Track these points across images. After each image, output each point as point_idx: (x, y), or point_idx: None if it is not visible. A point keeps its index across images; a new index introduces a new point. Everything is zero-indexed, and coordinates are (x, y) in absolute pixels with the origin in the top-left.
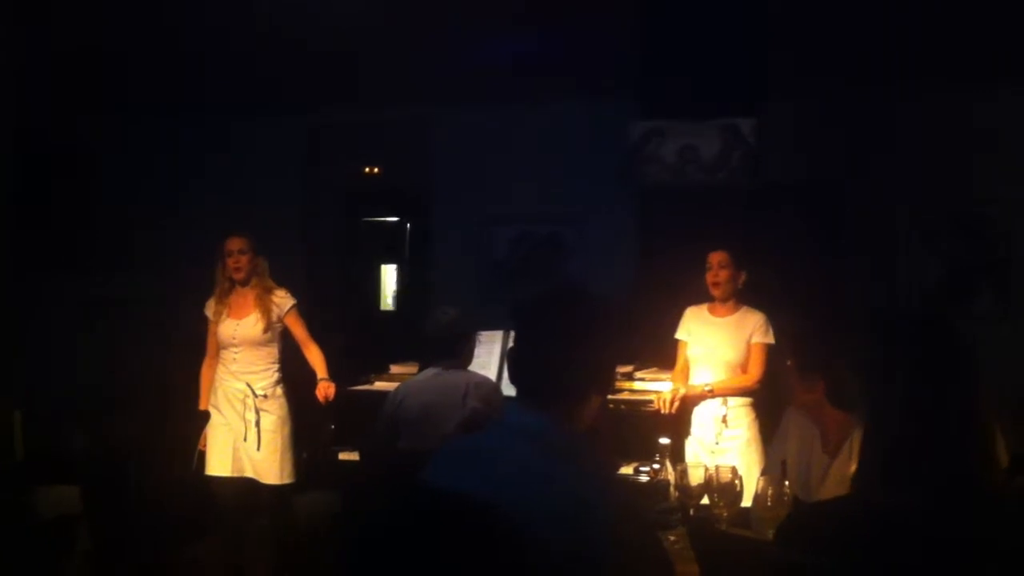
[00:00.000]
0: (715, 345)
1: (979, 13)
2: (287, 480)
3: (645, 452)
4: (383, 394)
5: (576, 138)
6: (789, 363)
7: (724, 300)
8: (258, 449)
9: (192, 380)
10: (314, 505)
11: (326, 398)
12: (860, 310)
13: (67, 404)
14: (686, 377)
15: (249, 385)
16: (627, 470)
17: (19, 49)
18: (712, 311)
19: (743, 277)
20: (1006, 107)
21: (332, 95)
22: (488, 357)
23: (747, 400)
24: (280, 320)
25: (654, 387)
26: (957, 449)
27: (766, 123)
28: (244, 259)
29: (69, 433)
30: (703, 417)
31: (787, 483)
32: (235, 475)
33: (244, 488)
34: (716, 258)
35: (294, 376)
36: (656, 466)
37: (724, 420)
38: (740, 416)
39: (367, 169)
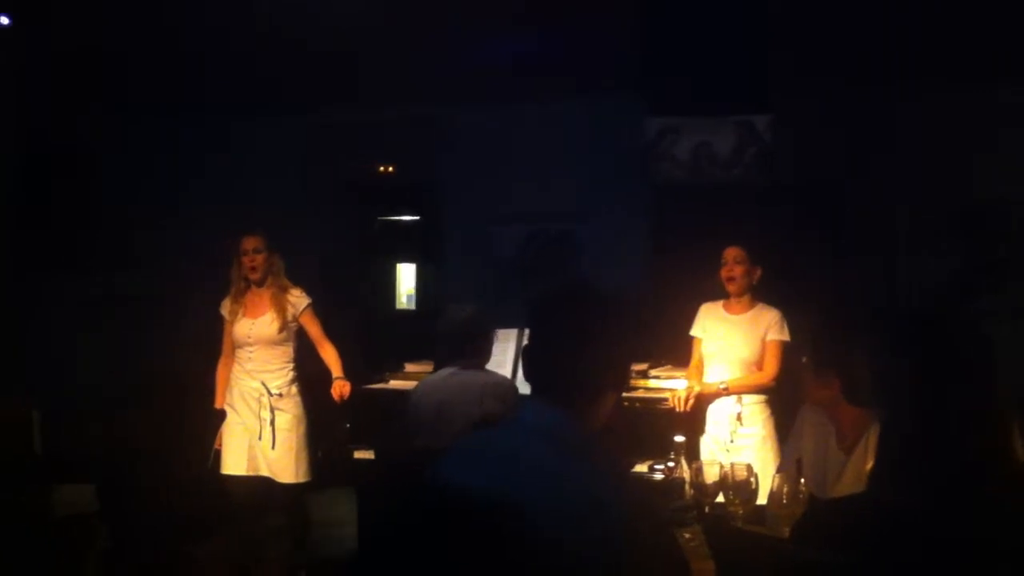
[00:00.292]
0: (730, 342)
1: (981, 13)
2: (302, 479)
3: (660, 450)
4: (398, 393)
5: (590, 136)
6: (804, 360)
7: (739, 296)
8: (273, 448)
9: (206, 378)
10: (329, 504)
11: (341, 397)
12: (875, 308)
13: (84, 403)
14: (701, 374)
15: (264, 384)
16: (642, 468)
17: (20, 49)
18: (727, 308)
19: (758, 273)
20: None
21: (345, 94)
22: (503, 355)
23: (762, 397)
24: (295, 319)
25: (669, 385)
26: (971, 447)
27: (780, 120)
28: (259, 258)
29: (86, 432)
30: (718, 415)
31: (802, 480)
32: (250, 474)
33: (259, 487)
34: (731, 253)
35: (309, 375)
36: (671, 464)
37: (739, 418)
38: (755, 414)
39: (382, 168)
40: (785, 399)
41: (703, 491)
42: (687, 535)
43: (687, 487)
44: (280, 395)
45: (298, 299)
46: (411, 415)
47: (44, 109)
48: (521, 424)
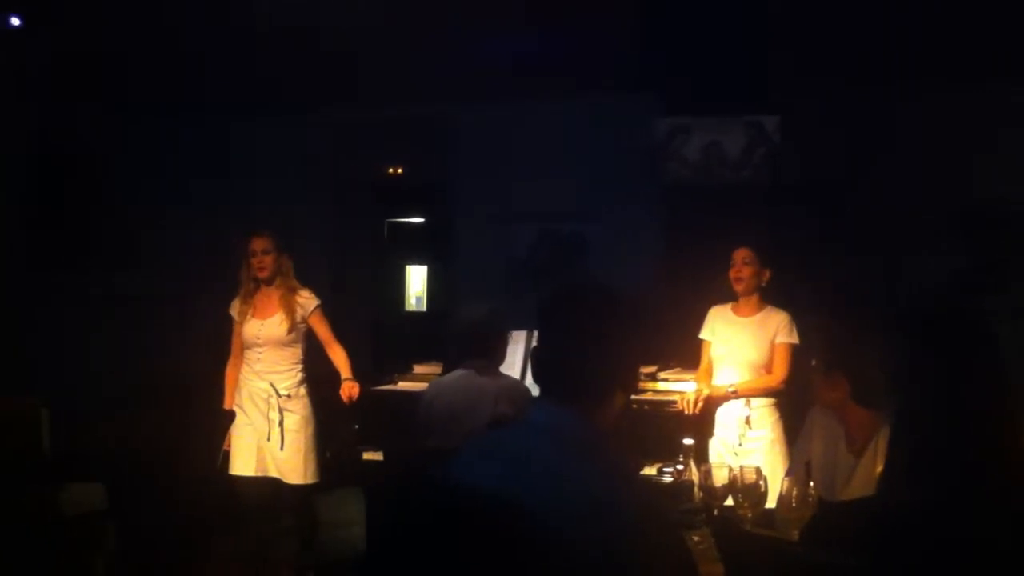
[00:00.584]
0: (739, 345)
1: (984, 12)
2: (311, 480)
3: (669, 453)
4: (407, 394)
5: (600, 136)
6: (814, 363)
7: (746, 296)
8: (281, 449)
9: (215, 378)
10: (338, 505)
11: (350, 398)
12: (884, 308)
13: (92, 402)
14: (710, 377)
15: (273, 385)
16: (651, 470)
17: (27, 50)
18: (736, 311)
19: (767, 275)
20: None
21: (355, 94)
22: (512, 356)
23: (771, 401)
24: (304, 320)
25: (677, 387)
26: (984, 448)
27: (790, 121)
28: (268, 259)
29: (94, 431)
30: (726, 418)
31: (812, 484)
32: (259, 475)
33: (268, 488)
34: (740, 255)
35: (318, 376)
36: (680, 467)
37: (748, 421)
38: (764, 417)
39: (391, 169)
40: (794, 402)
41: (712, 494)
42: (696, 538)
43: (696, 490)
44: (289, 396)
45: (307, 300)
46: (423, 416)
47: (51, 109)
48: (530, 425)
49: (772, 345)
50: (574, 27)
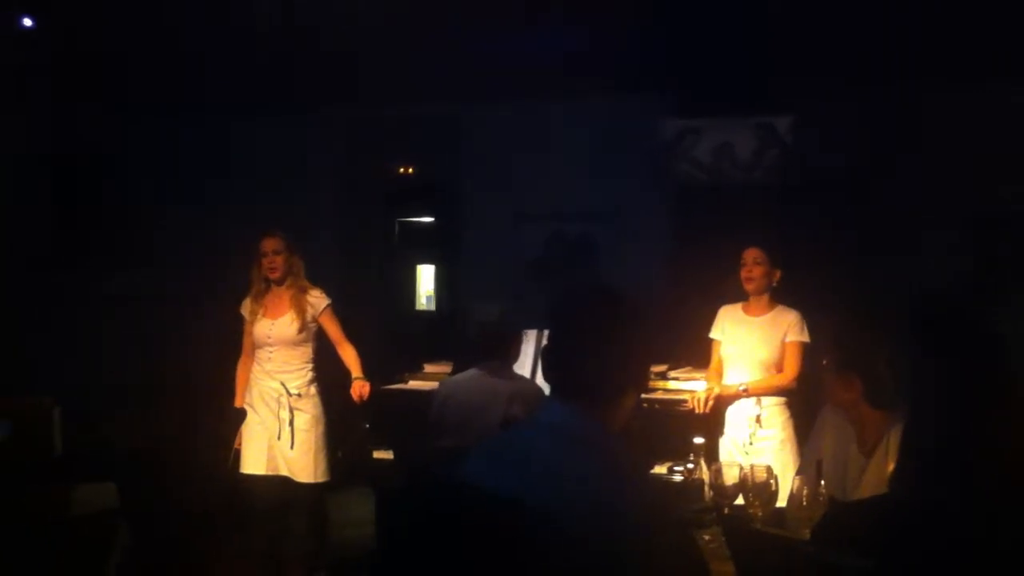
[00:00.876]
0: (749, 344)
1: (1002, 11)
2: (321, 479)
3: (679, 452)
4: (417, 393)
5: (610, 136)
6: (825, 362)
7: (757, 296)
8: (292, 448)
9: (226, 377)
10: (349, 503)
11: (360, 397)
12: (895, 309)
13: (104, 401)
14: (720, 376)
15: (283, 384)
16: (661, 469)
17: (41, 52)
18: (746, 310)
19: (777, 275)
20: None
21: (368, 93)
22: (523, 356)
23: (781, 400)
24: (315, 320)
25: (688, 386)
26: (999, 448)
27: (801, 121)
28: (279, 259)
29: (107, 430)
30: (737, 417)
31: (823, 483)
32: (270, 473)
33: (279, 486)
34: (751, 254)
35: (329, 375)
36: (690, 465)
37: (758, 420)
38: (774, 416)
39: (401, 169)
40: (805, 401)
41: (722, 493)
42: (706, 537)
43: (706, 489)
44: (299, 395)
45: (317, 300)
46: (435, 415)
47: (60, 110)
48: (540, 425)
49: (783, 344)
50: (585, 28)
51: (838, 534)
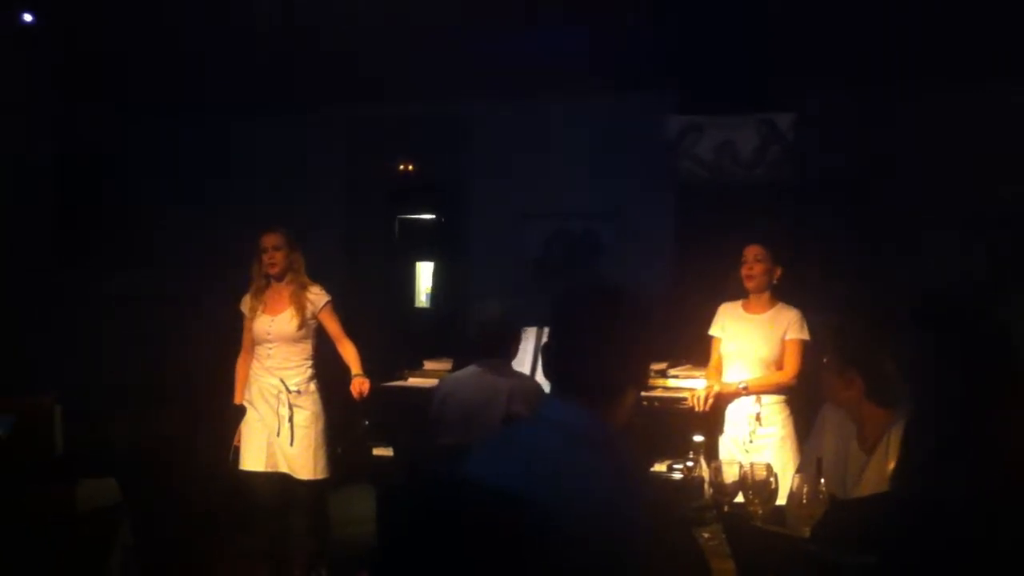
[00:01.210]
0: (749, 342)
1: (1006, 10)
2: (320, 476)
3: (679, 450)
4: (417, 390)
5: (611, 134)
6: (825, 360)
7: (757, 294)
8: (291, 445)
9: (226, 375)
10: (349, 500)
11: (360, 394)
12: (898, 307)
13: (105, 399)
14: (720, 374)
15: (283, 381)
16: (661, 467)
17: (45, 51)
18: (746, 308)
19: (778, 272)
20: None
21: (369, 91)
22: (522, 353)
23: (781, 397)
24: (315, 317)
25: (688, 384)
26: (997, 446)
27: (804, 119)
28: (279, 255)
29: (108, 428)
30: (737, 415)
31: (822, 481)
32: (269, 470)
33: (278, 483)
34: (752, 252)
35: (328, 372)
36: (690, 463)
37: (758, 418)
38: (774, 414)
39: (402, 166)
40: (805, 399)
41: (722, 491)
42: (706, 534)
43: (706, 487)
44: (298, 392)
45: (317, 296)
46: (435, 412)
47: (63, 110)
48: (542, 422)
49: (783, 342)
50: (586, 26)
51: (838, 532)
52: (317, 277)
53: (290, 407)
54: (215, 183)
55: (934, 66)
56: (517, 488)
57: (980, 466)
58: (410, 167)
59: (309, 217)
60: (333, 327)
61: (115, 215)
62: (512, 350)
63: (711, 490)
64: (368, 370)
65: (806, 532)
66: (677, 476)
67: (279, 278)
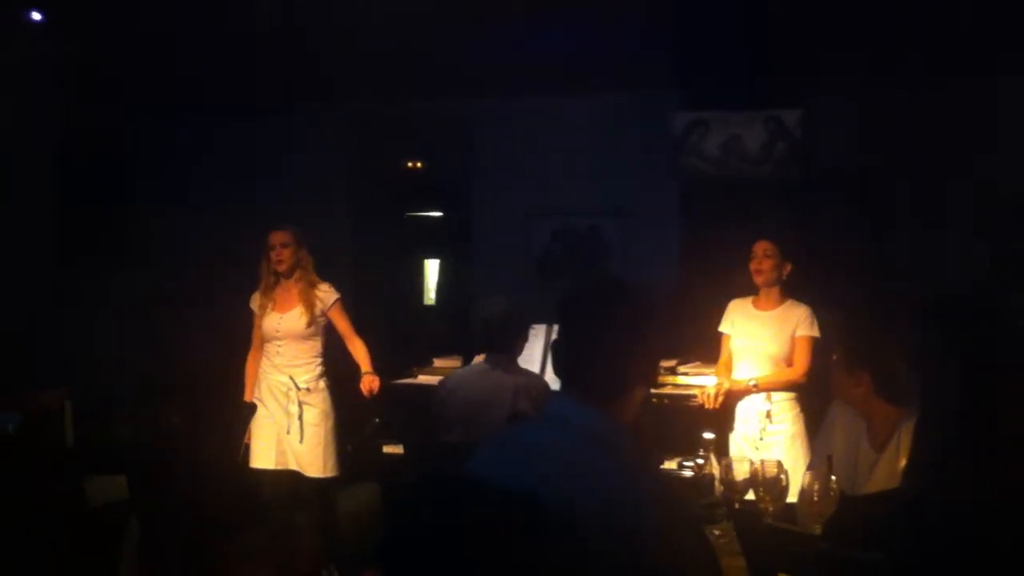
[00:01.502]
0: (759, 338)
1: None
2: (330, 473)
3: (689, 447)
4: (426, 387)
5: (618, 131)
6: (835, 357)
7: (766, 288)
8: (300, 442)
9: (236, 372)
10: (358, 498)
11: (370, 391)
12: (909, 304)
13: (116, 395)
14: (730, 371)
15: (292, 378)
16: (671, 464)
17: (57, 49)
18: (756, 304)
19: (788, 268)
20: None
21: (378, 88)
22: (531, 351)
23: (791, 395)
24: (324, 314)
25: (698, 381)
26: (1008, 444)
27: (812, 114)
28: (287, 252)
29: (117, 423)
30: (747, 412)
31: (833, 478)
32: (279, 468)
33: (288, 481)
34: (760, 247)
35: (338, 370)
36: (700, 460)
37: (768, 415)
38: (784, 411)
39: (410, 164)
40: (815, 395)
41: (733, 488)
42: (717, 532)
43: (716, 484)
44: (308, 389)
45: (326, 294)
46: (440, 410)
47: (73, 107)
48: (551, 419)
49: (793, 339)
50: (593, 24)
51: (849, 529)
52: (326, 274)
53: (299, 405)
54: (222, 182)
55: (942, 61)
56: (525, 487)
57: (988, 465)
58: (418, 164)
59: (317, 215)
60: (343, 324)
61: (126, 213)
62: (517, 347)
63: (721, 487)
64: (378, 368)
65: (817, 529)
66: (687, 473)
67: (288, 275)
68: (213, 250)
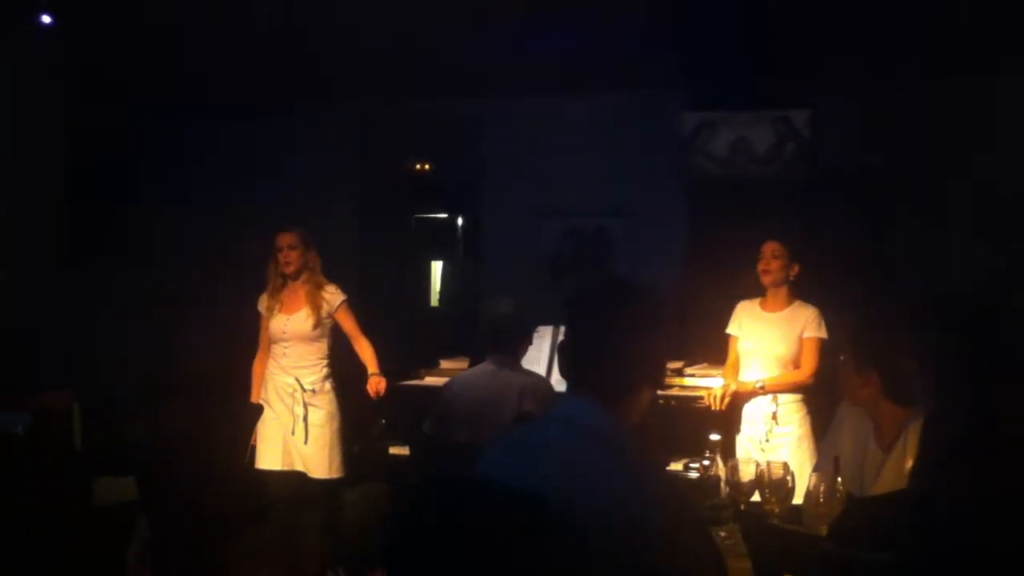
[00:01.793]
0: (766, 340)
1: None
2: (335, 474)
3: (695, 448)
4: (433, 389)
5: (626, 131)
6: (842, 358)
7: (774, 289)
8: (306, 443)
9: (243, 373)
10: (364, 499)
11: (377, 393)
12: (917, 304)
13: (121, 396)
14: (737, 372)
15: (298, 380)
16: (677, 466)
17: (67, 51)
18: (763, 306)
19: (796, 269)
20: None
21: (383, 89)
22: (538, 352)
23: (798, 396)
24: (330, 316)
25: (704, 383)
26: (1017, 444)
27: (820, 115)
28: (294, 254)
29: (124, 424)
30: (753, 414)
31: (839, 479)
32: (285, 468)
33: (294, 482)
34: (768, 248)
35: (345, 371)
36: (706, 462)
37: (774, 417)
38: (791, 412)
39: (418, 165)
40: (822, 397)
41: (739, 489)
42: (723, 533)
43: (723, 485)
44: (313, 391)
45: (333, 296)
46: (446, 411)
47: (79, 108)
48: (558, 420)
49: (800, 340)
50: (600, 23)
51: (855, 531)
52: (333, 276)
53: (305, 406)
54: (229, 182)
55: (950, 61)
56: (531, 487)
57: (996, 465)
58: (426, 165)
59: (323, 216)
60: (349, 326)
61: (136, 213)
62: (522, 348)
63: (728, 489)
64: (384, 369)
65: (823, 531)
66: (694, 475)
67: (295, 277)
68: (216, 250)
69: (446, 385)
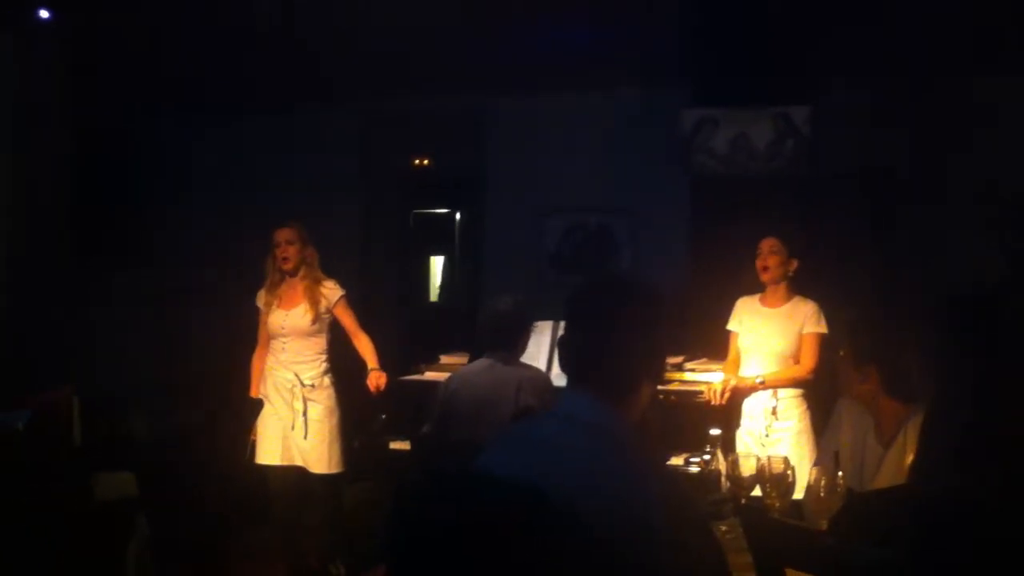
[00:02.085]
0: (766, 335)
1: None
2: (335, 470)
3: (695, 443)
4: (433, 384)
5: (628, 128)
6: (842, 353)
7: (773, 285)
8: (305, 438)
9: (243, 369)
10: (365, 494)
11: (377, 388)
12: (918, 300)
13: (122, 393)
14: (737, 368)
15: (297, 375)
16: (677, 461)
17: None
18: (763, 301)
19: (795, 265)
20: None
21: (386, 86)
22: (538, 348)
23: (798, 391)
24: (329, 311)
25: (704, 378)
26: (1017, 440)
27: (821, 112)
28: (292, 249)
29: (124, 421)
30: (753, 409)
31: (840, 474)
32: (285, 464)
33: (294, 477)
34: (767, 244)
35: (345, 366)
36: (707, 457)
37: (774, 412)
38: (791, 407)
39: (418, 160)
40: (822, 392)
41: (739, 484)
42: (723, 528)
43: (723, 480)
44: (313, 386)
45: (331, 291)
46: (445, 407)
47: (84, 108)
48: (559, 416)
49: (800, 335)
50: (601, 20)
51: (856, 525)
52: (333, 270)
53: (304, 401)
54: (231, 180)
55: (951, 59)
56: (533, 483)
57: (996, 462)
58: (425, 162)
59: (324, 212)
60: (348, 321)
61: (137, 212)
62: (521, 345)
63: (728, 483)
64: (384, 364)
65: (823, 525)
66: (694, 469)
67: (293, 273)
68: (216, 250)
69: (444, 382)
